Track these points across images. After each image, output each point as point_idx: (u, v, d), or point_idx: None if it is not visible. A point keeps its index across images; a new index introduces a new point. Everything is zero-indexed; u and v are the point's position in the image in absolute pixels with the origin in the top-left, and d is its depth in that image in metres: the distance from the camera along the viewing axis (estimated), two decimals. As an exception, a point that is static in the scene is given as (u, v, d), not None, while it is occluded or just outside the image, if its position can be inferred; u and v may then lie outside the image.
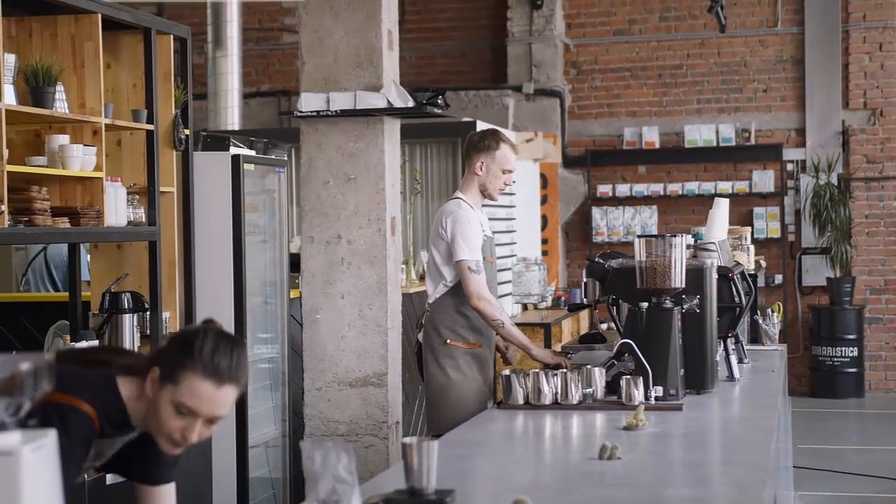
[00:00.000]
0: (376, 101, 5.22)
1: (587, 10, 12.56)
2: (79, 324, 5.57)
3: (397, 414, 5.42)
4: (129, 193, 5.48)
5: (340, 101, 5.25)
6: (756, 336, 6.23)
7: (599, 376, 4.26)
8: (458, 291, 4.99)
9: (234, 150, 6.40)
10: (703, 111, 12.38)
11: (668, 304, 4.33)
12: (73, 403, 2.59)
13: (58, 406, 2.54)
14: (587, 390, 4.21)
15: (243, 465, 6.22)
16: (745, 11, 12.25)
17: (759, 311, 6.33)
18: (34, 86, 4.89)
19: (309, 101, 5.29)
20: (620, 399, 4.16)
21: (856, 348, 11.66)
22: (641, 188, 12.27)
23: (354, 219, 5.32)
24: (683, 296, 4.40)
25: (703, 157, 12.24)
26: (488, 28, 12.85)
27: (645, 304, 4.32)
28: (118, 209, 5.33)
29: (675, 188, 12.20)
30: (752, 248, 6.68)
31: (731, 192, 11.90)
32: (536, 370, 4.28)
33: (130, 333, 5.42)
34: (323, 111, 5.27)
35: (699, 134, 12.21)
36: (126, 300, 5.42)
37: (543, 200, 11.81)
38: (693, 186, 12.13)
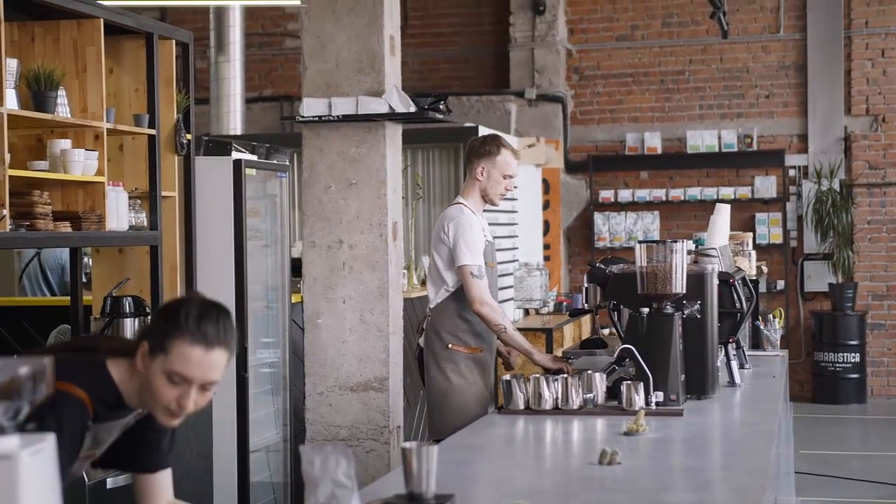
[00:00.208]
0: (378, 106, 5.22)
1: (590, 15, 12.57)
2: (80, 328, 5.57)
3: (398, 419, 5.42)
4: (130, 198, 5.49)
5: (342, 106, 5.26)
6: (757, 341, 6.23)
7: (600, 381, 4.26)
8: (460, 296, 5.00)
9: (235, 155, 6.42)
10: (706, 117, 12.38)
11: (669, 309, 4.33)
12: (65, 389, 2.61)
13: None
14: (588, 395, 4.21)
15: (244, 469, 6.22)
16: (748, 17, 12.26)
17: (760, 317, 6.33)
18: (36, 90, 4.90)
19: (311, 106, 5.29)
20: (621, 404, 4.16)
21: (858, 354, 11.66)
22: (643, 194, 12.27)
23: (356, 224, 5.33)
24: (684, 301, 4.40)
25: (705, 162, 12.24)
26: (491, 33, 12.87)
27: (646, 310, 4.33)
28: (120, 214, 5.33)
29: (677, 194, 12.20)
30: (753, 253, 6.68)
31: (733, 197, 11.90)
32: (537, 375, 4.28)
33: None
34: (325, 116, 5.28)
35: (701, 139, 12.21)
36: (127, 305, 5.43)
37: (545, 206, 11.81)
38: (695, 192, 12.13)
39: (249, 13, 12.04)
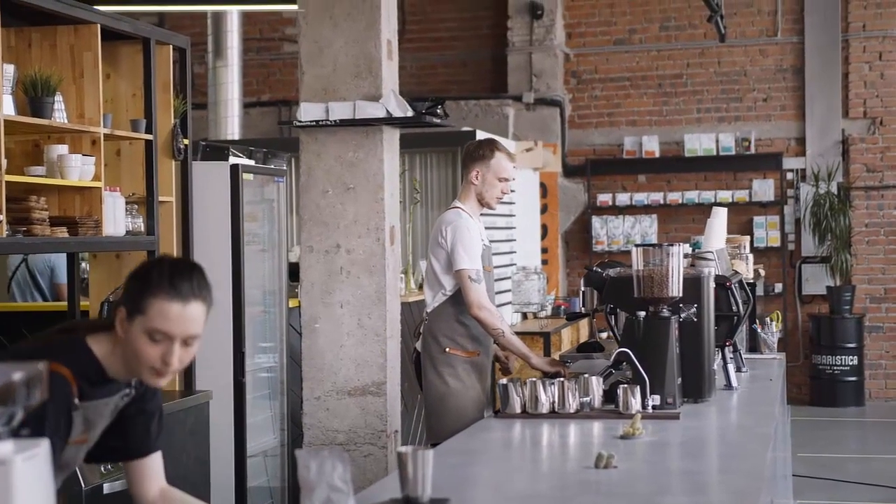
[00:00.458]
0: (375, 110, 5.23)
1: (587, 19, 12.58)
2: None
3: (396, 423, 5.42)
4: (127, 203, 5.49)
5: (340, 110, 5.26)
6: (755, 345, 6.23)
7: (597, 385, 4.26)
8: (457, 300, 5.00)
9: (233, 160, 6.42)
10: (703, 120, 12.39)
11: (666, 312, 4.33)
12: (48, 367, 2.62)
13: None
14: (584, 399, 4.21)
15: (242, 474, 6.22)
16: (745, 21, 12.27)
17: (757, 320, 6.33)
18: (33, 96, 4.91)
19: (308, 111, 5.30)
20: (617, 408, 4.16)
21: (856, 357, 11.66)
22: (641, 197, 12.28)
23: (353, 228, 5.33)
24: (681, 305, 4.40)
25: (703, 166, 12.25)
26: (489, 38, 12.87)
27: (642, 313, 4.33)
28: (117, 219, 5.34)
29: (674, 197, 12.21)
30: (750, 256, 6.69)
31: (731, 201, 11.91)
32: (534, 379, 4.29)
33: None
34: (322, 121, 5.29)
35: (699, 143, 12.22)
36: (125, 309, 5.42)
37: (543, 209, 11.82)
38: (693, 195, 12.14)
39: (247, 18, 12.05)
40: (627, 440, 3.75)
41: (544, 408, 4.19)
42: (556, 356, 6.49)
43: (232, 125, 10.90)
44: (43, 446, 1.73)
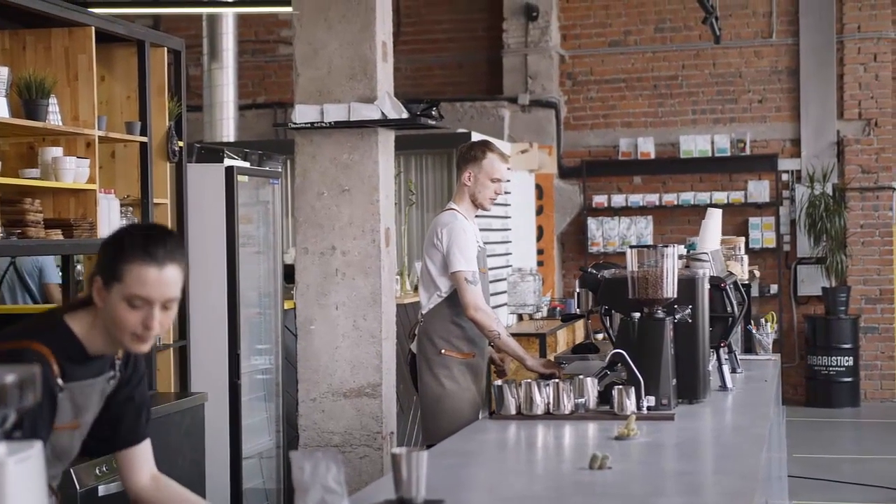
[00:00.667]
0: (370, 112, 5.23)
1: (582, 21, 12.59)
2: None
3: (391, 424, 5.42)
4: (122, 205, 5.49)
5: (334, 112, 5.26)
6: (750, 346, 6.24)
7: (592, 386, 4.26)
8: (453, 302, 5.01)
9: (228, 162, 6.41)
10: (699, 122, 12.40)
11: (660, 314, 4.34)
12: (24, 346, 2.64)
13: (8, 353, 2.60)
14: (579, 400, 4.21)
15: (237, 475, 6.22)
16: (740, 22, 12.29)
17: (752, 321, 6.34)
18: (27, 98, 4.90)
19: (303, 113, 5.30)
20: (612, 409, 4.16)
21: (851, 358, 11.68)
22: (637, 199, 12.29)
23: (349, 230, 5.33)
24: (675, 306, 4.41)
25: (698, 167, 12.26)
26: (484, 39, 12.88)
27: (637, 315, 4.33)
28: (111, 221, 5.33)
29: (670, 198, 12.22)
30: (745, 257, 6.69)
31: (726, 202, 11.92)
32: (529, 380, 4.29)
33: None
34: (317, 123, 5.29)
35: (694, 144, 12.23)
36: (120, 312, 5.42)
37: (539, 211, 11.83)
38: (688, 197, 12.15)
39: (242, 20, 12.05)
40: (622, 441, 3.75)
41: (539, 409, 4.19)
42: (551, 358, 6.49)
43: (227, 127, 10.90)
44: (36, 448, 1.73)
